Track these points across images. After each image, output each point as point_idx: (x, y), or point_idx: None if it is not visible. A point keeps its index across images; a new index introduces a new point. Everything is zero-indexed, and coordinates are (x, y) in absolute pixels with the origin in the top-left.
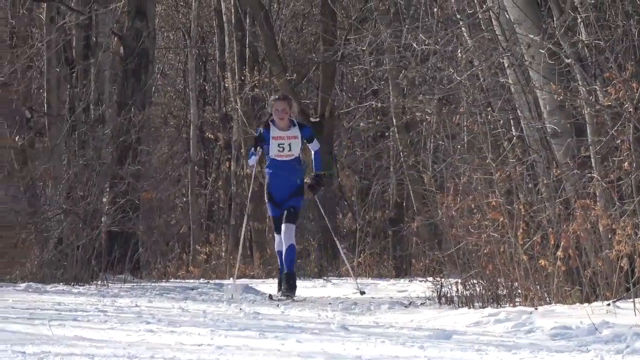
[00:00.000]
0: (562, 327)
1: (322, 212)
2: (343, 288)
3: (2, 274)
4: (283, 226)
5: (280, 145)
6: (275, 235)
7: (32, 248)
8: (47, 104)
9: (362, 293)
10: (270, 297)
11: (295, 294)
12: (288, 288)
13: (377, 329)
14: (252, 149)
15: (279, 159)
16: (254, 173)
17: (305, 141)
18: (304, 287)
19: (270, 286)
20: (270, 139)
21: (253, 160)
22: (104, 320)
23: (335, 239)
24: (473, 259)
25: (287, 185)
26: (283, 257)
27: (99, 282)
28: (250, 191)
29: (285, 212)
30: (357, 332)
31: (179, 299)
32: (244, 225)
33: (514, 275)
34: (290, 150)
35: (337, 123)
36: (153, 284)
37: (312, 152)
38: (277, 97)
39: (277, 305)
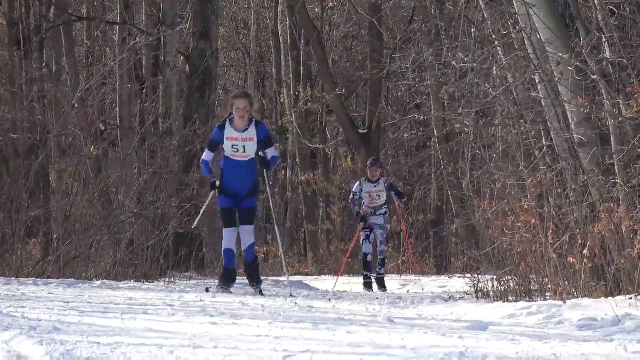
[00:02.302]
0: (589, 319)
1: (269, 191)
2: (388, 284)
3: (79, 272)
4: (241, 229)
5: (234, 147)
6: (224, 230)
7: (106, 248)
8: (119, 118)
9: (292, 296)
10: (207, 289)
11: (261, 281)
12: (253, 279)
13: (420, 321)
14: (205, 157)
15: (234, 158)
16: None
17: (261, 144)
18: (355, 284)
19: (322, 282)
20: (225, 139)
21: (206, 173)
22: (171, 314)
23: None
24: (507, 257)
25: (242, 184)
26: (244, 252)
27: (167, 279)
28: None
29: (242, 214)
30: (402, 323)
31: (239, 294)
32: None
33: (544, 272)
34: (245, 152)
35: (383, 134)
36: (216, 281)
37: (269, 157)
38: (237, 94)
39: (329, 300)
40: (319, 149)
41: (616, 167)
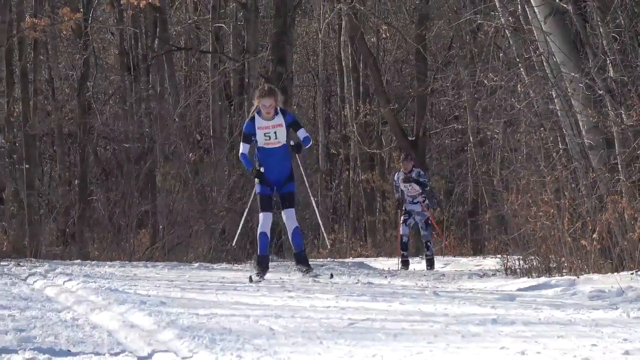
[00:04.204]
0: (598, 291)
1: (304, 176)
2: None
3: (181, 256)
4: (284, 213)
5: (266, 135)
6: (261, 214)
7: (202, 237)
8: (212, 129)
9: (332, 276)
10: (251, 279)
11: (312, 267)
12: (304, 266)
13: (460, 293)
14: (244, 153)
15: (267, 146)
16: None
17: (290, 128)
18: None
19: (380, 263)
20: (256, 129)
21: (248, 165)
22: (256, 290)
23: (319, 219)
24: (531, 241)
25: (279, 170)
26: (291, 238)
27: (253, 262)
28: (252, 196)
29: (282, 198)
30: (445, 296)
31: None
32: (242, 219)
33: (561, 252)
34: (276, 138)
35: (428, 141)
36: (292, 262)
37: (302, 138)
38: (262, 93)
39: (385, 277)
40: (376, 153)
41: (619, 166)
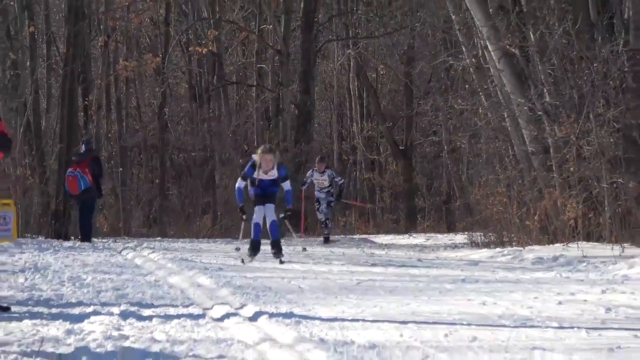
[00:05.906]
0: (538, 258)
1: (292, 231)
2: (418, 239)
3: (233, 235)
4: (266, 206)
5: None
6: (255, 207)
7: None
8: (256, 142)
9: (304, 249)
10: (242, 261)
11: (283, 254)
12: (277, 251)
13: (438, 260)
14: (239, 188)
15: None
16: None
17: (280, 180)
18: (400, 239)
19: (380, 239)
20: (255, 177)
21: (239, 201)
22: (288, 259)
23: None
24: (489, 222)
25: (268, 185)
26: (269, 228)
27: (286, 238)
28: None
29: (267, 196)
30: (426, 262)
31: (329, 246)
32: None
33: (511, 230)
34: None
35: (414, 149)
36: (315, 238)
37: (285, 191)
38: (265, 151)
39: (383, 249)
40: (376, 158)
41: (554, 167)
